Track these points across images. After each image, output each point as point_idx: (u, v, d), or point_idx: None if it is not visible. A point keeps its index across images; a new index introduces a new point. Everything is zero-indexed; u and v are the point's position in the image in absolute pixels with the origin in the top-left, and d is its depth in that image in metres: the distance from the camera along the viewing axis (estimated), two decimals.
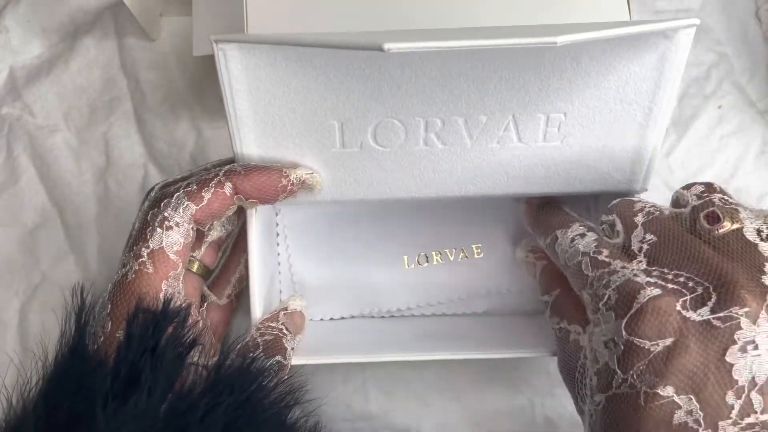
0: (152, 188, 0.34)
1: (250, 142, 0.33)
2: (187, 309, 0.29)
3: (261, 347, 0.32)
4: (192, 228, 0.32)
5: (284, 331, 0.34)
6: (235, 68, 0.30)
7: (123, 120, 0.45)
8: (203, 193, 0.32)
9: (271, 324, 0.34)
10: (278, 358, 0.32)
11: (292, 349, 0.34)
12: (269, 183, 0.33)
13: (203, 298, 0.37)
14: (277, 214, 0.39)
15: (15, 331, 0.42)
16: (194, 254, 0.37)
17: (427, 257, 0.40)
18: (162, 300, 0.29)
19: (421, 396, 0.41)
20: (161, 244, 0.31)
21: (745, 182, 0.43)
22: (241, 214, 0.37)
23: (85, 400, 0.24)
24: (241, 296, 0.39)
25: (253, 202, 0.33)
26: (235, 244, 0.39)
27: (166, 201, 0.31)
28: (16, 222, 0.44)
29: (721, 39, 0.46)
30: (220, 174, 0.32)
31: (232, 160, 0.34)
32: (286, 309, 0.36)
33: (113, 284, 0.31)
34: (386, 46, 0.25)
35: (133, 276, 0.30)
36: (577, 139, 0.33)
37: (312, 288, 0.40)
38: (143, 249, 0.31)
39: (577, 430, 0.40)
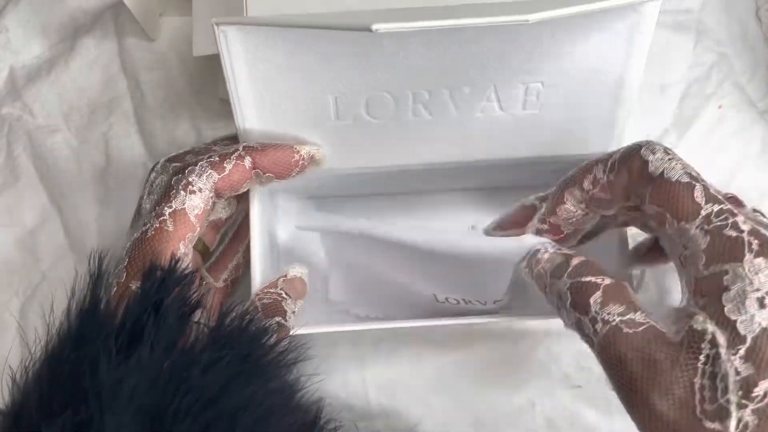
0: (156, 163, 0.35)
1: (252, 118, 0.35)
2: (194, 272, 0.30)
3: (260, 310, 0.33)
4: (212, 196, 0.33)
5: (283, 295, 0.35)
6: (236, 49, 0.32)
7: (123, 120, 0.45)
8: (225, 164, 0.33)
9: (269, 290, 0.35)
10: (278, 319, 0.33)
11: (293, 312, 0.34)
12: (284, 158, 0.35)
13: (201, 280, 0.38)
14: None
15: (15, 331, 0.42)
16: None
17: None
18: (173, 259, 0.30)
19: (421, 396, 0.41)
20: (183, 205, 0.32)
21: (746, 183, 0.43)
22: (241, 200, 0.39)
23: (90, 352, 0.25)
24: (237, 283, 0.40)
25: (270, 176, 0.35)
26: (236, 234, 0.41)
27: (190, 168, 0.33)
28: (16, 222, 0.44)
29: (722, 39, 0.46)
30: (240, 149, 0.34)
31: (232, 136, 0.37)
32: (285, 276, 0.36)
33: (132, 241, 0.32)
34: (374, 27, 0.28)
35: (153, 232, 0.31)
36: (554, 106, 0.35)
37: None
38: (166, 208, 0.32)
39: (577, 431, 0.40)
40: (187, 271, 0.30)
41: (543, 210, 0.33)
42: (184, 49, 0.45)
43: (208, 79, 0.45)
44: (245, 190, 0.35)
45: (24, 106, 0.46)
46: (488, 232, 0.36)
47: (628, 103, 0.35)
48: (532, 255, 0.31)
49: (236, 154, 0.34)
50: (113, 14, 0.46)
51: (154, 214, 0.32)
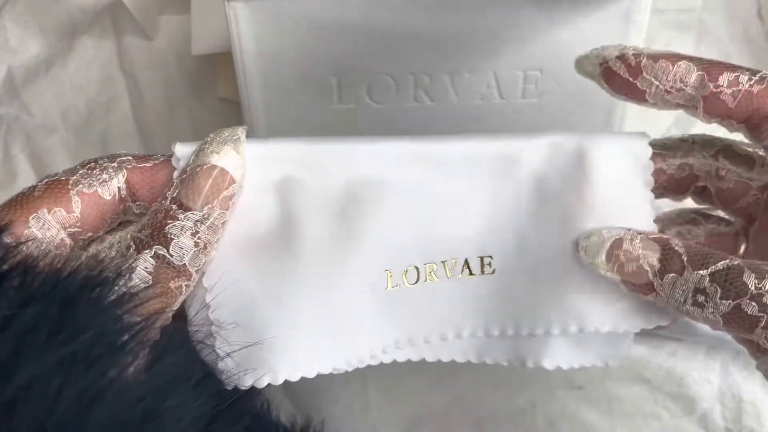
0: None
1: (257, 98, 0.35)
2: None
3: (130, 248, 0.24)
4: (121, 189, 0.25)
5: (174, 210, 0.24)
6: (244, 26, 0.32)
7: (121, 119, 0.45)
8: (152, 158, 0.26)
9: (157, 206, 0.24)
10: (155, 249, 0.23)
11: (197, 236, 0.24)
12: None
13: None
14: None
15: None
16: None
17: (417, 272, 0.27)
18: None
19: (421, 397, 0.41)
20: (69, 177, 0.24)
21: None
22: None
23: None
24: None
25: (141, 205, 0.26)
26: None
27: (104, 155, 0.26)
28: None
29: (723, 38, 0.46)
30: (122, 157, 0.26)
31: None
32: (198, 166, 0.24)
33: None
34: None
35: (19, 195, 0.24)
36: (553, 95, 0.36)
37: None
38: (45, 178, 0.25)
39: None
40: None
41: (634, 51, 0.26)
42: (183, 48, 0.45)
43: (207, 79, 0.45)
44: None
45: (22, 106, 0.45)
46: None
47: None
48: (613, 246, 0.25)
49: (168, 155, 0.26)
50: (112, 13, 0.46)
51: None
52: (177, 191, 0.24)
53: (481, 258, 0.27)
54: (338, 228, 0.26)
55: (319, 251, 0.26)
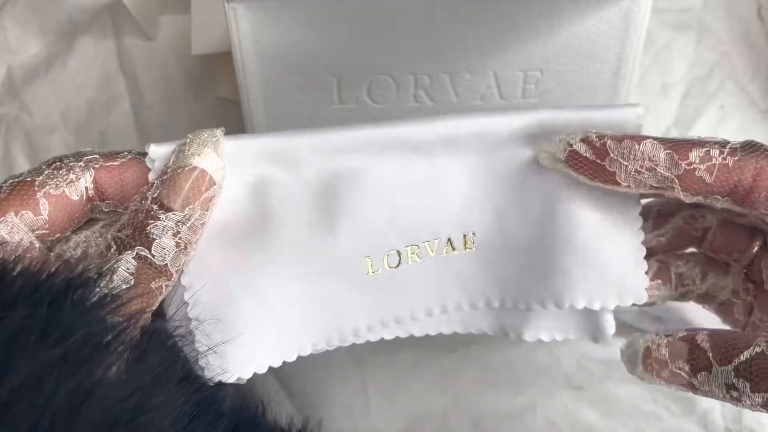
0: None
1: (257, 98, 0.35)
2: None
3: (112, 248, 0.23)
4: (89, 189, 0.25)
5: (155, 210, 0.24)
6: (244, 26, 0.32)
7: (121, 119, 0.45)
8: (118, 156, 0.26)
9: (137, 205, 0.24)
10: (137, 249, 0.23)
11: (178, 238, 0.24)
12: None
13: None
14: None
15: None
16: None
17: (399, 255, 0.28)
18: None
19: (421, 397, 0.41)
20: (34, 178, 0.24)
21: None
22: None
23: None
24: None
25: (110, 203, 0.26)
26: None
27: (70, 154, 0.26)
28: None
29: (723, 38, 0.46)
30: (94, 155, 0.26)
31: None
32: (178, 168, 0.25)
33: None
34: None
35: None
36: (552, 95, 0.36)
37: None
38: (9, 179, 0.24)
39: None
40: None
41: (597, 134, 0.26)
42: (183, 48, 0.45)
43: (206, 78, 0.45)
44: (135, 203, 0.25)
45: (22, 106, 0.45)
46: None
47: (625, 95, 0.36)
48: (645, 356, 0.26)
49: (135, 152, 0.26)
50: (111, 13, 0.46)
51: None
52: (158, 192, 0.24)
53: (464, 235, 0.28)
54: (315, 219, 0.27)
55: (295, 242, 0.26)
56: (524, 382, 0.41)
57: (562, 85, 0.35)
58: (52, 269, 0.20)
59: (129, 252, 0.23)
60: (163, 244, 0.23)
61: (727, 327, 0.31)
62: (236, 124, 0.40)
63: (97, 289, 0.21)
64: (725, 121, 0.44)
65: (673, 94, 0.45)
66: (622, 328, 0.41)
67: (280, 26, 0.33)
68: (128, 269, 0.23)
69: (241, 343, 0.26)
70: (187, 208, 0.24)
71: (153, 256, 0.23)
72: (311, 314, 0.27)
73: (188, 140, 0.26)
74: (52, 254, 0.25)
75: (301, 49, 0.33)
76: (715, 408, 0.40)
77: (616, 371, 0.41)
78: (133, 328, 0.21)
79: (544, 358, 0.41)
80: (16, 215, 0.23)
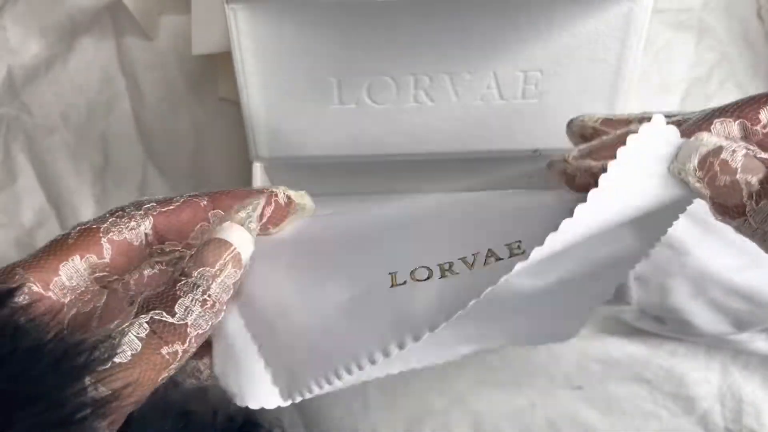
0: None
1: (257, 98, 0.35)
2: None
3: (135, 307, 0.23)
4: (147, 234, 0.26)
5: (187, 268, 0.24)
6: (244, 28, 0.32)
7: (121, 120, 0.45)
8: (173, 200, 0.26)
9: (177, 267, 0.25)
10: (153, 314, 0.22)
11: (209, 302, 0.23)
12: (249, 196, 0.26)
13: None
14: None
15: None
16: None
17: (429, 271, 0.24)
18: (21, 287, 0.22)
19: (421, 397, 0.41)
20: (99, 225, 0.26)
21: None
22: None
23: None
24: None
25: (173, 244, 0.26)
26: None
27: (130, 202, 0.27)
28: (14, 222, 0.44)
29: (723, 38, 0.46)
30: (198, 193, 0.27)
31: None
32: (223, 214, 0.26)
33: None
34: None
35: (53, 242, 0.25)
36: (552, 96, 0.36)
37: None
38: (77, 226, 0.26)
39: None
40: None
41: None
42: (183, 48, 0.45)
43: (207, 79, 0.45)
44: (197, 242, 0.25)
45: (22, 106, 0.45)
46: (562, 161, 0.26)
47: (625, 96, 0.36)
48: (710, 154, 0.21)
49: (187, 195, 0.27)
50: (112, 13, 0.46)
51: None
52: (191, 257, 0.24)
53: (509, 244, 0.24)
54: (347, 244, 0.26)
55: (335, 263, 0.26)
56: (524, 382, 0.41)
57: (562, 85, 0.35)
58: (57, 331, 0.20)
59: (143, 316, 0.22)
60: (187, 303, 0.22)
61: None
62: (236, 124, 0.40)
63: (87, 355, 0.20)
64: None
65: (673, 94, 0.45)
66: (623, 328, 0.41)
67: (279, 27, 0.33)
68: (138, 334, 0.21)
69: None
70: (218, 263, 0.23)
71: (174, 315, 0.22)
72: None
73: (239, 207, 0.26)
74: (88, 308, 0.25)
75: (300, 49, 0.33)
76: (714, 408, 0.40)
77: (616, 371, 0.41)
78: (121, 401, 0.20)
79: (543, 358, 0.41)
80: (81, 258, 0.25)
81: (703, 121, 0.23)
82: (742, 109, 0.22)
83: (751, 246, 0.25)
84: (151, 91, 0.45)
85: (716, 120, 0.23)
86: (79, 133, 0.45)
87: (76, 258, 0.25)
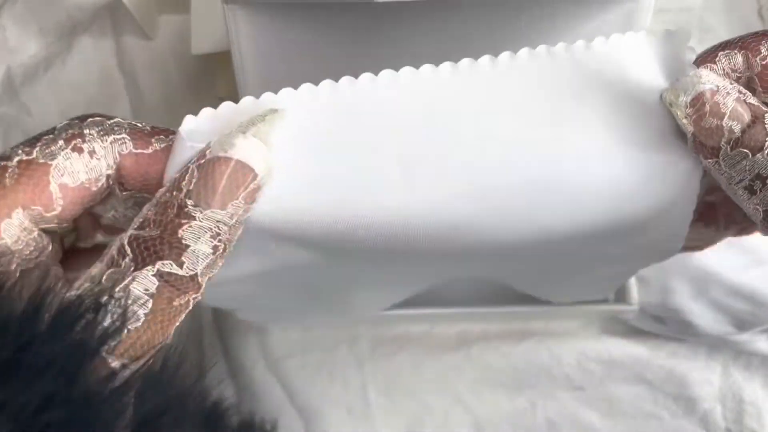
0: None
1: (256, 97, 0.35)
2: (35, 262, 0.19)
3: (127, 255, 0.19)
4: (108, 175, 0.21)
5: (190, 208, 0.19)
6: (243, 28, 0.32)
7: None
8: (153, 139, 0.22)
9: (167, 196, 0.20)
10: (158, 266, 0.18)
11: (220, 248, 0.19)
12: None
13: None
14: None
15: None
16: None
17: None
18: None
19: (421, 397, 0.40)
20: (50, 161, 0.20)
21: None
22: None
23: None
24: None
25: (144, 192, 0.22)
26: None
27: (96, 119, 0.21)
28: None
29: (724, 38, 0.45)
30: (183, 134, 0.22)
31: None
32: (204, 156, 0.20)
33: None
34: None
35: None
36: None
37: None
38: (20, 152, 0.20)
39: None
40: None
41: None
42: (182, 47, 0.45)
43: (206, 78, 0.45)
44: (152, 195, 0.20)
45: (21, 106, 0.45)
46: None
47: None
48: (705, 93, 0.21)
49: (171, 139, 0.22)
50: (111, 12, 0.46)
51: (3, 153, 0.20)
52: (193, 183, 0.19)
53: None
54: None
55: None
56: (524, 383, 0.41)
57: None
58: (46, 295, 0.16)
59: (149, 268, 0.18)
60: (198, 251, 0.19)
61: None
62: None
63: (98, 323, 0.17)
64: None
65: None
66: (623, 328, 0.41)
67: (279, 27, 0.33)
68: (147, 290, 0.18)
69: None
70: (229, 205, 0.19)
71: (181, 266, 0.19)
72: None
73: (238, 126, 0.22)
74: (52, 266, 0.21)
75: (300, 49, 0.33)
76: (715, 408, 0.40)
77: (616, 372, 0.41)
78: (141, 369, 0.17)
79: (544, 359, 0.41)
80: (24, 210, 0.19)
81: (709, 52, 0.23)
82: (745, 40, 0.23)
83: (752, 246, 0.25)
84: (151, 90, 0.45)
85: (721, 52, 0.22)
86: None
87: (18, 212, 0.19)
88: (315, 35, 0.33)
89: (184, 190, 0.19)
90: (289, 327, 0.40)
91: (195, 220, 0.19)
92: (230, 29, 0.32)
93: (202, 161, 0.20)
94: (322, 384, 0.40)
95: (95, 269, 0.19)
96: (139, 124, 0.22)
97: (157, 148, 0.21)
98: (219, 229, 0.19)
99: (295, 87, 0.32)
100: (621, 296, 0.38)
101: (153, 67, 0.45)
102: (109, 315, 0.17)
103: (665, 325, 0.40)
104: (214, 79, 0.44)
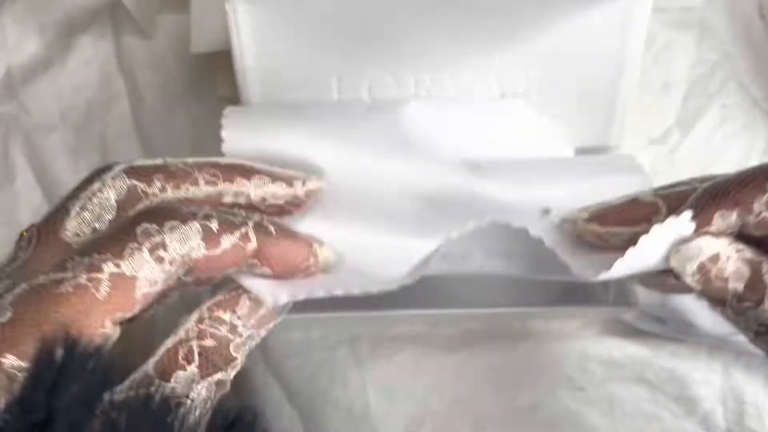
0: (109, 167, 0.25)
1: (257, 97, 0.35)
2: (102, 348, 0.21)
3: (194, 361, 0.22)
4: (181, 274, 0.23)
5: (238, 329, 0.24)
6: (244, 24, 0.33)
7: (120, 119, 0.45)
8: (221, 239, 0.23)
9: (220, 315, 0.24)
10: (218, 376, 0.23)
11: (245, 345, 0.24)
12: (295, 257, 0.25)
13: None
14: None
15: None
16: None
17: None
18: (91, 344, 0.20)
19: (421, 397, 0.40)
20: (137, 273, 0.21)
21: None
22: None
23: None
24: None
25: (265, 270, 0.25)
26: None
27: (173, 224, 0.22)
28: (12, 222, 0.44)
29: (725, 38, 0.45)
30: (249, 224, 0.24)
31: (215, 163, 0.27)
32: (242, 293, 0.24)
33: (28, 287, 0.21)
34: None
35: (71, 289, 0.21)
36: (553, 93, 0.36)
37: None
38: (110, 264, 0.21)
39: None
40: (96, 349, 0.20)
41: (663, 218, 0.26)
42: (182, 47, 0.45)
43: (206, 78, 0.45)
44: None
45: (20, 105, 0.45)
46: (572, 222, 0.30)
47: (627, 92, 0.36)
48: (709, 260, 0.24)
49: (242, 231, 0.24)
50: (110, 12, 0.46)
51: (85, 261, 0.21)
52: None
53: None
54: None
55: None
56: (525, 383, 0.41)
57: (563, 81, 0.36)
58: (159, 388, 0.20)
59: (210, 378, 0.22)
60: (238, 363, 0.24)
61: None
62: None
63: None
64: (727, 121, 0.44)
65: (674, 93, 0.44)
66: (624, 328, 0.41)
67: (280, 25, 0.33)
68: (209, 395, 0.22)
69: None
70: (261, 331, 0.25)
71: (227, 374, 0.24)
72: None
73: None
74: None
75: (300, 48, 0.34)
76: (716, 409, 0.40)
77: (617, 372, 0.40)
78: None
79: (544, 359, 0.41)
80: (111, 322, 0.21)
81: (705, 210, 0.25)
82: (738, 197, 0.25)
83: None
84: (150, 90, 0.45)
85: (716, 214, 0.25)
86: (78, 133, 0.45)
87: (107, 323, 0.21)
88: (316, 33, 0.33)
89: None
90: (289, 327, 0.40)
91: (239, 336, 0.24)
92: (231, 26, 0.33)
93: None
94: (322, 384, 0.40)
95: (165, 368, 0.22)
96: (210, 222, 0.23)
97: (226, 246, 0.23)
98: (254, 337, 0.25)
99: (295, 85, 0.32)
100: (621, 297, 0.38)
101: (153, 67, 0.45)
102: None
103: (666, 326, 0.40)
104: (213, 78, 0.44)
